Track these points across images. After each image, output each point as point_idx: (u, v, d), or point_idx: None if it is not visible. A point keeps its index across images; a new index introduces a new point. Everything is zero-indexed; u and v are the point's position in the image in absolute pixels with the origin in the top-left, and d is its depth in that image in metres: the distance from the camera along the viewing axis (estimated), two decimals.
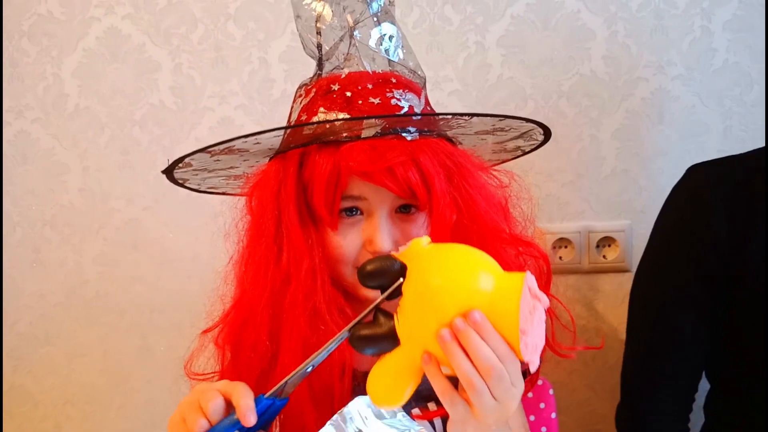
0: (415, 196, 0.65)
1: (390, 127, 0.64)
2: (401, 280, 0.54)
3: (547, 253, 1.14)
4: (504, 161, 0.84)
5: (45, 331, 1.27)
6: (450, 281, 0.53)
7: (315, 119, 0.66)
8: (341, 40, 0.68)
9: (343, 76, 0.68)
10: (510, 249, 0.72)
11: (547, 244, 1.16)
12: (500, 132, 0.75)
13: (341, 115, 0.65)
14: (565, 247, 1.16)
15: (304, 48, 0.73)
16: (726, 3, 1.13)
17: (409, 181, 0.64)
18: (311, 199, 0.67)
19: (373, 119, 0.64)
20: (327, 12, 0.69)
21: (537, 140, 0.78)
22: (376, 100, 0.65)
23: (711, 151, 1.15)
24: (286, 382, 0.56)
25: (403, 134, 0.64)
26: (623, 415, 0.95)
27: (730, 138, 1.15)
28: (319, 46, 0.70)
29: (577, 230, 1.16)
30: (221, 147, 0.66)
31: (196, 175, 0.75)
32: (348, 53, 0.68)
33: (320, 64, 0.70)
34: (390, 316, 0.55)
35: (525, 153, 0.83)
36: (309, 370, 0.56)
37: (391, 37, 0.69)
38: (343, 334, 0.56)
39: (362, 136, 0.64)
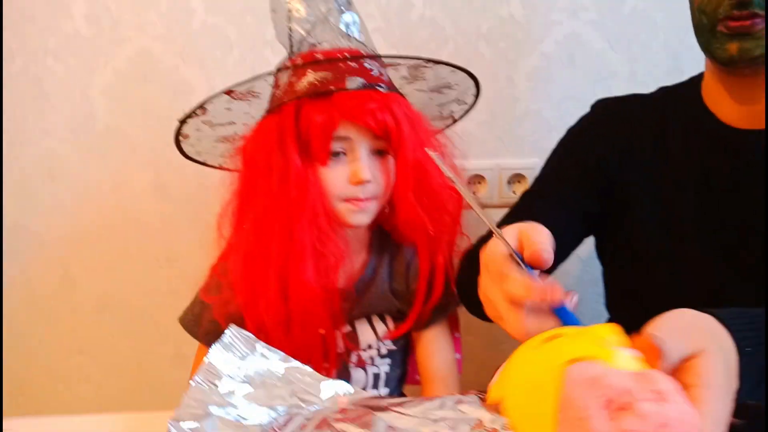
0: (389, 136, 0.81)
1: (367, 83, 0.80)
2: None
3: None
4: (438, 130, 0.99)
5: None
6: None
7: (305, 79, 0.80)
8: (314, 26, 0.84)
9: (324, 49, 0.83)
10: (444, 187, 0.88)
11: (463, 179, 1.22)
12: (446, 90, 0.93)
13: (329, 74, 0.80)
14: (480, 183, 1.22)
15: (277, 35, 0.87)
16: None
17: (386, 123, 0.80)
18: (308, 140, 0.80)
19: (354, 64, 0.81)
20: (301, 6, 0.84)
21: (467, 103, 0.96)
22: (354, 65, 0.81)
23: (617, 94, 1.21)
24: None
25: (378, 88, 0.81)
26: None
27: (635, 82, 1.22)
28: (291, 33, 0.84)
29: (490, 167, 1.22)
30: (244, 88, 0.81)
31: (198, 130, 0.88)
32: (321, 36, 0.84)
33: (292, 47, 0.85)
34: None
35: (455, 121, 1.01)
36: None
37: (355, 23, 0.87)
38: None
39: (347, 87, 0.79)
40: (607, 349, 0.40)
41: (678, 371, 0.44)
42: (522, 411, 0.41)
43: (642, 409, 0.36)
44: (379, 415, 0.61)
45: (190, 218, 1.23)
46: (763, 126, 0.78)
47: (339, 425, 0.60)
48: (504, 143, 1.23)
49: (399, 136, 0.81)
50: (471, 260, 0.83)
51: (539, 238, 0.53)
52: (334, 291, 0.84)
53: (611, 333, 0.42)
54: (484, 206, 0.55)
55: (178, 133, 0.87)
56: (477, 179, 1.22)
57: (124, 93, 1.21)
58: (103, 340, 1.29)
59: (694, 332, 0.46)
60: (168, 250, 1.26)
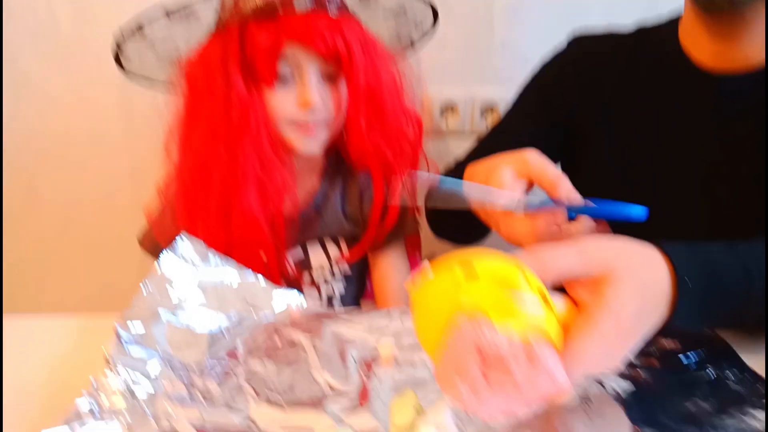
0: (339, 59, 0.78)
1: (316, 4, 0.77)
2: None
3: (435, 117, 1.22)
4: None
5: None
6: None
7: None
8: None
9: None
10: (401, 114, 0.87)
11: (435, 108, 1.21)
12: (404, 14, 0.90)
13: None
14: (452, 111, 1.21)
15: None
16: None
17: (335, 46, 0.77)
18: (254, 64, 0.77)
19: None
20: None
21: (426, 28, 0.92)
22: None
23: (594, 28, 1.19)
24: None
25: (327, 8, 0.78)
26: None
27: (612, 16, 1.16)
28: None
29: (463, 96, 1.21)
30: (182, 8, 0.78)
31: (140, 54, 0.85)
32: None
33: None
34: None
35: (413, 44, 0.95)
36: None
37: None
38: None
39: (295, 8, 0.75)
40: (510, 302, 0.40)
41: (589, 293, 0.45)
42: (420, 328, 0.44)
43: (513, 371, 0.39)
44: (328, 323, 0.62)
45: (155, 133, 1.21)
46: (737, 68, 0.78)
47: (287, 331, 0.61)
48: (478, 73, 1.21)
49: (350, 60, 0.78)
50: None
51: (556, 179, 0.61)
52: (278, 217, 0.83)
53: (522, 272, 0.42)
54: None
55: (117, 55, 0.84)
56: (449, 107, 1.21)
57: (89, 2, 1.16)
58: (67, 253, 1.29)
59: (608, 257, 0.45)
60: (132, 163, 1.25)
